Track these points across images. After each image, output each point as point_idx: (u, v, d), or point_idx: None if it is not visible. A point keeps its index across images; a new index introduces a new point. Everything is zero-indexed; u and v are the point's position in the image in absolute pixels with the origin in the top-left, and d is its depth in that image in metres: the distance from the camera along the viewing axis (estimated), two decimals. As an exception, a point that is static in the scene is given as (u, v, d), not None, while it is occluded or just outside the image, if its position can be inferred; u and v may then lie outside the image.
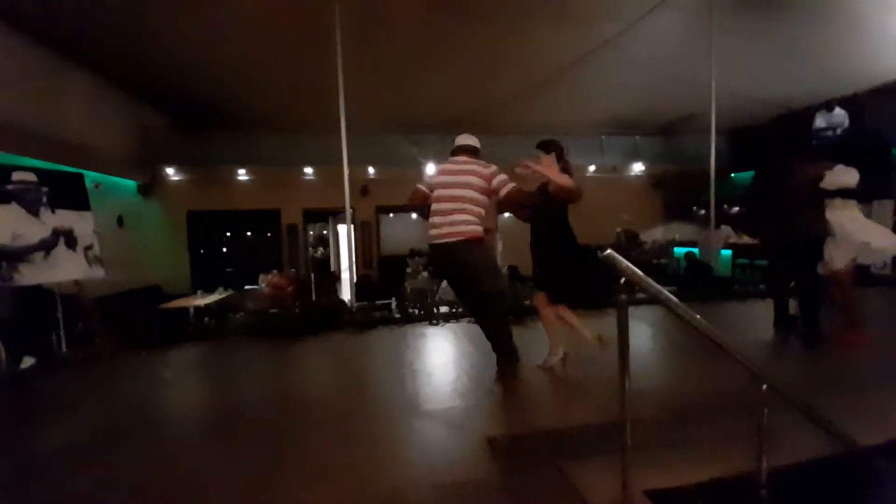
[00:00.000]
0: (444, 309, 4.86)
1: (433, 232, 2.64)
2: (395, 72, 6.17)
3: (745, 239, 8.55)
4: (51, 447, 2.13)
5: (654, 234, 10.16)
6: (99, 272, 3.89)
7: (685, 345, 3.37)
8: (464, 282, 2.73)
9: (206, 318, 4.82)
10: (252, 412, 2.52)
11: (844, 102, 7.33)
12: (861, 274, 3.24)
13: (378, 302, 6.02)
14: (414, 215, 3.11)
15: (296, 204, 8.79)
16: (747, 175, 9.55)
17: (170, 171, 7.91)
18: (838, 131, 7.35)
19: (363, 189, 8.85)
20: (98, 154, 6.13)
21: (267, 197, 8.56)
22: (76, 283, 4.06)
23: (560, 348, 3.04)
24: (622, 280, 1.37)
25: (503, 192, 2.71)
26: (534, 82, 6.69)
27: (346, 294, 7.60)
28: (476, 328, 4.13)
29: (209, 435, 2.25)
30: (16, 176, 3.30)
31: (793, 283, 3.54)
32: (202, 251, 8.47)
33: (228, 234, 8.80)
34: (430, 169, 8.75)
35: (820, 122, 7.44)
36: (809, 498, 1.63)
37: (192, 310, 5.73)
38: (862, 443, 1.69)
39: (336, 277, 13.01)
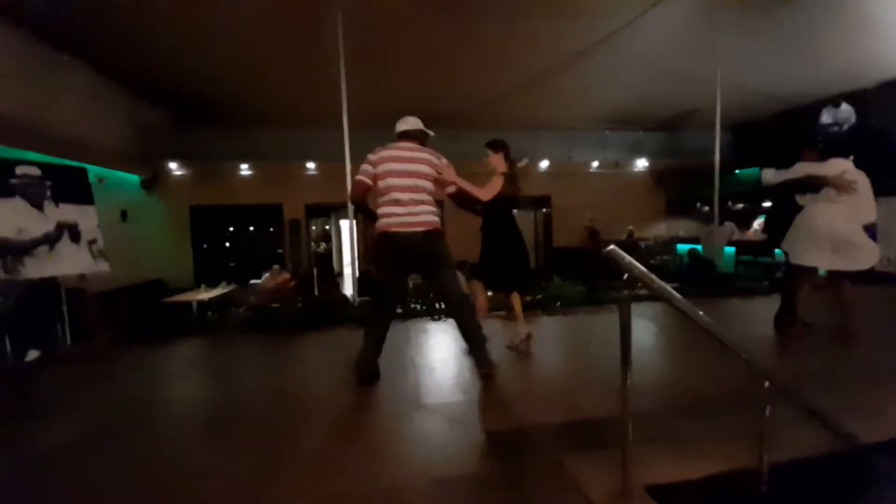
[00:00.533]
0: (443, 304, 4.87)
1: (392, 220, 2.53)
2: (396, 67, 6.14)
3: (749, 235, 8.54)
4: (52, 441, 2.14)
5: (657, 231, 10.12)
6: (103, 266, 3.91)
7: (687, 341, 3.38)
8: (429, 275, 2.69)
9: (209, 313, 4.83)
10: (252, 408, 2.52)
11: (851, 98, 7.27)
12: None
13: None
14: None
15: (298, 199, 8.79)
16: (752, 171, 9.51)
17: (172, 166, 7.91)
18: (845, 127, 7.28)
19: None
20: (100, 149, 6.14)
21: (269, 192, 8.56)
22: (81, 277, 4.08)
23: (524, 328, 3.24)
24: (625, 276, 1.37)
25: (451, 188, 2.79)
26: (535, 77, 6.63)
27: (348, 289, 7.61)
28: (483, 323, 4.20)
29: (210, 431, 2.26)
30: (19, 170, 3.32)
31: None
32: (205, 246, 8.49)
33: (231, 228, 8.81)
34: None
35: (826, 117, 7.38)
36: (810, 494, 1.63)
37: (195, 304, 5.77)
38: (863, 440, 1.69)
39: (338, 273, 13.06)
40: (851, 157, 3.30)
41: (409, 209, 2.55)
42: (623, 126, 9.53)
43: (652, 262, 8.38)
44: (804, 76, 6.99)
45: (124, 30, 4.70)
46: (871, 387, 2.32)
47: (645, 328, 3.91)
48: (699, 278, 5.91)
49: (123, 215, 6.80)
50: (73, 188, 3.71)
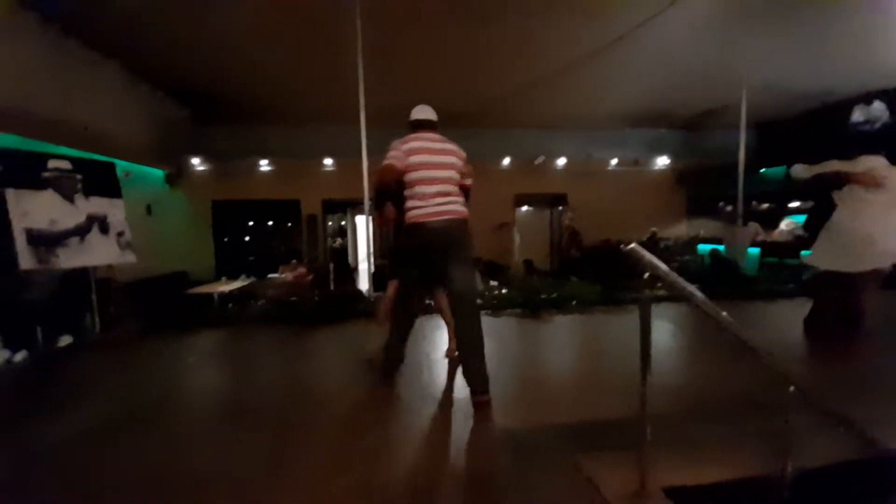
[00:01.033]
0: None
1: (424, 211, 2.46)
2: (413, 64, 6.14)
3: (775, 236, 8.27)
4: (82, 423, 2.25)
5: (677, 231, 9.91)
6: (130, 257, 4.04)
7: (708, 342, 3.30)
8: (450, 264, 2.48)
9: (230, 305, 4.95)
10: (270, 399, 2.58)
11: (884, 95, 6.96)
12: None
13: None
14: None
15: (315, 195, 8.91)
16: (778, 170, 9.21)
17: (195, 161, 8.10)
18: (877, 125, 6.99)
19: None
20: (127, 144, 6.33)
21: (287, 188, 8.70)
22: (109, 267, 4.23)
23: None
24: (645, 275, 1.35)
25: (468, 181, 2.69)
26: (554, 73, 6.54)
27: (363, 284, 7.69)
28: (491, 321, 4.19)
29: (230, 419, 2.33)
30: (51, 164, 3.46)
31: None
32: (226, 239, 8.69)
33: (251, 223, 8.98)
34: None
35: (858, 115, 7.09)
36: (833, 502, 1.59)
37: (216, 296, 5.92)
38: (890, 446, 1.63)
39: (353, 268, 13.18)
40: (883, 154, 3.18)
41: (441, 200, 2.49)
42: (644, 124, 9.34)
43: (672, 262, 8.24)
44: (833, 73, 6.73)
45: (148, 27, 4.81)
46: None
47: (665, 329, 3.84)
48: (721, 279, 5.76)
49: (148, 209, 7.00)
50: (103, 182, 3.84)
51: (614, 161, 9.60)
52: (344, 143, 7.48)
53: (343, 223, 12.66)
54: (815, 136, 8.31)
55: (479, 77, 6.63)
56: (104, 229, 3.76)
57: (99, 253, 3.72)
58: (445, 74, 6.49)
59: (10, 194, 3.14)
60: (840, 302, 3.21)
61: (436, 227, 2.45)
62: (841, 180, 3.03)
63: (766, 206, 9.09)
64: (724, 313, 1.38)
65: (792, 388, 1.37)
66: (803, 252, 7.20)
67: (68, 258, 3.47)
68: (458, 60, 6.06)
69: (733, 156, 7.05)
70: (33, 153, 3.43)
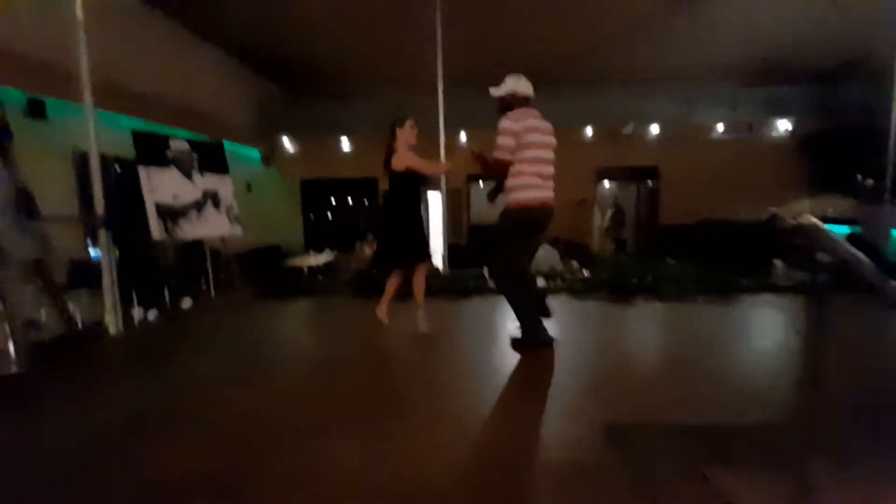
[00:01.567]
0: (540, 282, 4.66)
1: (540, 194, 2.54)
2: (494, 17, 5.77)
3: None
4: (205, 369, 2.57)
5: (798, 209, 8.48)
6: (238, 230, 4.46)
7: (866, 342, 2.73)
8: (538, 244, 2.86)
9: (318, 276, 5.26)
10: (362, 364, 2.71)
11: None
12: None
13: (469, 269, 6.04)
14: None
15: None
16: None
17: (285, 140, 8.66)
18: None
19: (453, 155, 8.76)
20: (231, 125, 6.94)
21: (365, 165, 8.94)
22: (220, 239, 4.71)
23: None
24: (823, 257, 1.08)
25: None
26: (648, 16, 5.71)
27: (437, 261, 7.76)
28: (577, 305, 3.94)
29: (332, 373, 2.48)
30: (173, 144, 3.88)
31: None
32: (312, 216, 9.33)
33: (333, 201, 9.51)
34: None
35: None
36: None
37: (305, 268, 6.42)
38: None
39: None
40: None
41: (549, 183, 2.59)
42: (760, 80, 7.94)
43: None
44: None
45: (241, 8, 5.09)
46: None
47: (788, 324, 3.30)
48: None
49: (248, 187, 7.67)
50: (214, 160, 4.24)
51: (720, 126, 8.37)
52: (422, 113, 7.45)
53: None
54: None
55: (562, 25, 6.02)
56: (216, 204, 4.17)
57: (213, 225, 4.15)
58: (527, 27, 6.02)
59: (143, 172, 3.59)
60: None
61: (547, 212, 2.59)
62: None
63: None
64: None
65: None
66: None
67: (189, 230, 3.91)
68: (538, 7, 5.55)
69: (874, 117, 5.74)
70: (159, 135, 3.88)
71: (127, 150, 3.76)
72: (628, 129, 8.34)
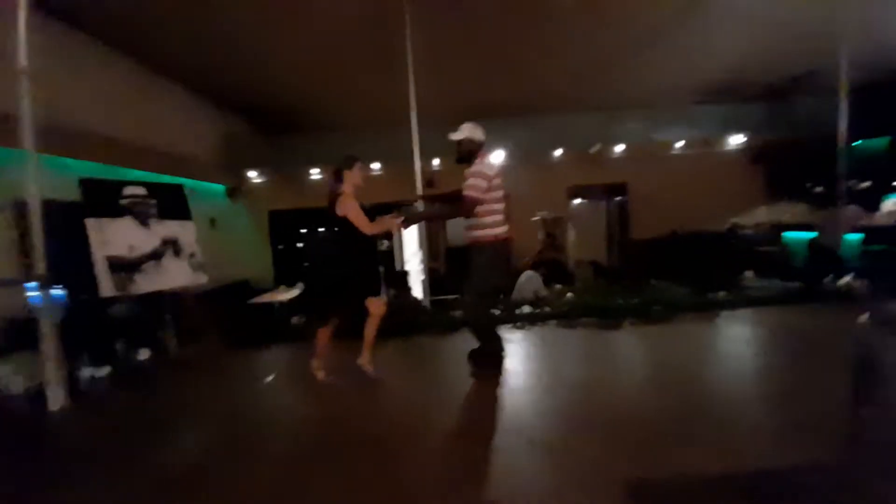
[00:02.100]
0: (526, 309, 4.58)
1: (505, 228, 2.88)
2: (462, 55, 5.86)
3: (878, 220, 7.18)
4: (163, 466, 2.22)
5: (756, 217, 8.92)
6: (202, 278, 4.13)
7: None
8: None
9: (293, 318, 4.95)
10: (353, 426, 2.45)
11: None
12: None
13: (450, 297, 5.89)
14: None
15: (363, 199, 8.88)
16: (877, 143, 8.00)
17: (252, 174, 8.35)
18: None
19: (429, 181, 8.69)
20: (194, 162, 6.60)
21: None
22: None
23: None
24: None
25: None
26: (614, 47, 5.96)
27: (416, 291, 7.57)
28: (566, 334, 3.85)
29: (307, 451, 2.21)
30: (127, 190, 3.56)
31: None
32: (280, 247, 8.94)
33: (304, 231, 9.14)
34: (495, 158, 8.39)
35: None
36: None
37: (276, 304, 6.05)
38: None
39: (403, 271, 13.15)
40: None
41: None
42: (714, 98, 8.42)
43: (754, 253, 7.40)
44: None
45: (207, 48, 4.91)
46: None
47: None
48: (822, 276, 5.01)
49: (212, 222, 7.28)
50: (174, 205, 3.93)
51: (680, 143, 8.78)
52: (392, 146, 7.38)
53: (390, 224, 12.71)
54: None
55: (530, 59, 6.20)
56: (177, 252, 3.85)
57: (173, 276, 3.81)
58: (495, 64, 6.15)
59: (92, 224, 3.25)
60: None
61: (506, 243, 2.92)
62: None
63: (865, 184, 7.92)
64: None
65: None
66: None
67: (145, 283, 3.57)
68: (507, 43, 5.67)
69: (821, 128, 6.14)
70: (111, 181, 3.56)
71: (76, 194, 3.41)
72: (595, 148, 8.60)
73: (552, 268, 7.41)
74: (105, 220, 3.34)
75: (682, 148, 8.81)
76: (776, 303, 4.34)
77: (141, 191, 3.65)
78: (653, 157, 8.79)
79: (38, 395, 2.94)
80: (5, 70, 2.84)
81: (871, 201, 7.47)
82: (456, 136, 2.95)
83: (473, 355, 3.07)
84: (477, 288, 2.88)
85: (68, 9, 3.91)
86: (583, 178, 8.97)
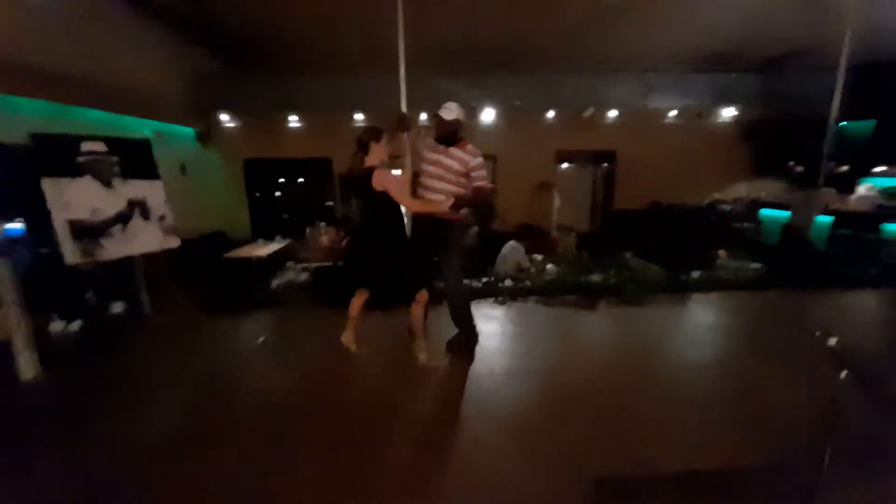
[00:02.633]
0: (507, 283, 4.62)
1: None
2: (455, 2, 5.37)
3: (850, 204, 7.41)
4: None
5: (736, 192, 9.06)
6: (174, 242, 3.93)
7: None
8: None
9: (274, 282, 4.85)
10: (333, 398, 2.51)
11: None
12: None
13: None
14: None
15: (347, 153, 8.48)
16: (863, 125, 8.04)
17: (224, 118, 7.76)
18: None
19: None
20: (158, 102, 6.05)
21: (319, 144, 8.30)
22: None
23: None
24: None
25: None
26: (607, 7, 5.61)
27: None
28: (545, 312, 3.92)
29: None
30: (85, 146, 3.23)
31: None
32: (259, 199, 8.58)
33: (282, 181, 8.76)
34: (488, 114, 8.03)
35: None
36: None
37: (254, 259, 5.90)
38: None
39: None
40: None
41: None
42: (709, 67, 8.14)
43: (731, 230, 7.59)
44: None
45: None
46: None
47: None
48: (792, 261, 5.19)
49: (182, 168, 6.86)
50: (139, 162, 3.63)
51: (673, 112, 8.59)
52: (377, 94, 6.92)
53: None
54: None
55: (525, 10, 5.76)
56: (146, 214, 3.61)
57: (143, 240, 3.61)
58: (488, 11, 5.68)
59: (48, 184, 2.98)
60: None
61: None
62: None
63: (844, 168, 8.06)
64: None
65: None
66: (887, 225, 6.46)
67: (113, 249, 3.37)
68: None
69: (812, 106, 6.09)
70: (65, 136, 3.20)
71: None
72: (588, 112, 8.33)
73: (536, 234, 7.44)
74: (63, 181, 3.06)
75: (674, 118, 8.64)
76: (747, 287, 4.52)
77: (100, 147, 3.32)
78: (644, 126, 8.61)
79: (3, 356, 2.79)
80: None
81: (849, 184, 7.68)
82: (448, 115, 2.78)
83: (453, 345, 3.10)
84: (456, 270, 2.85)
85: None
86: (572, 143, 8.76)
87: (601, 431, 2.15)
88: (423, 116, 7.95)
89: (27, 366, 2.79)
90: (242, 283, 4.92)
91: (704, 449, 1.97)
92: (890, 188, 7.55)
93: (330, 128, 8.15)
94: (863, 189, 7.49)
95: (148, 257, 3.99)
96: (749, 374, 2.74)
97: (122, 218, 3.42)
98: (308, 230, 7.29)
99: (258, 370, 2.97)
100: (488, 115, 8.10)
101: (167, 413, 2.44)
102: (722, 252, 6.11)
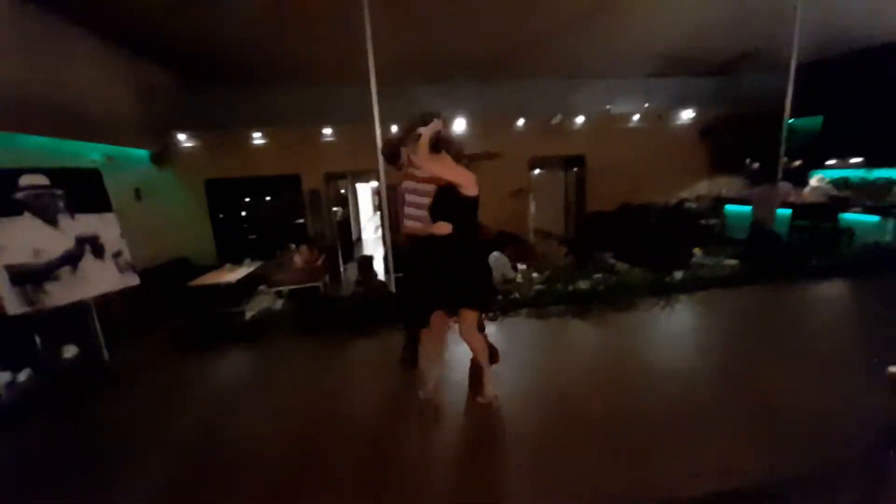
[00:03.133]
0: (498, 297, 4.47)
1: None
2: (423, 11, 5.27)
3: (805, 196, 7.83)
4: None
5: (698, 190, 9.43)
6: (132, 280, 3.55)
7: None
8: None
9: (247, 315, 4.49)
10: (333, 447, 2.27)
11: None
12: None
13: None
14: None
15: (318, 167, 8.19)
16: (811, 121, 8.56)
17: (182, 137, 7.30)
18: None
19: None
20: (105, 123, 5.57)
21: (286, 161, 7.96)
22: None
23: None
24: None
25: None
26: (575, 13, 5.71)
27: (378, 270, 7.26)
28: (539, 326, 3.81)
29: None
30: (24, 181, 2.85)
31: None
32: (224, 221, 8.10)
33: (248, 200, 8.32)
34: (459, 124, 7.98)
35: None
36: None
37: (223, 285, 5.51)
38: None
39: (356, 239, 12.62)
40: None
41: None
42: (667, 72, 8.47)
43: (697, 226, 7.85)
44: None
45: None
46: None
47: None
48: (764, 254, 5.37)
49: (137, 194, 6.37)
50: (88, 194, 3.25)
51: (636, 116, 8.86)
52: (346, 107, 6.71)
53: (343, 191, 11.94)
54: (861, 82, 7.60)
55: (494, 19, 5.75)
56: (98, 252, 3.24)
57: (96, 282, 3.23)
58: (457, 21, 5.63)
59: (-21, 226, 2.59)
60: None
61: None
62: None
63: (797, 162, 8.54)
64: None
65: None
66: (844, 215, 6.83)
67: (61, 294, 2.98)
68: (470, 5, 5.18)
69: (765, 104, 6.41)
70: (0, 170, 2.82)
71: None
72: (556, 119, 8.46)
73: (515, 242, 7.40)
74: (-2, 221, 2.67)
75: (637, 121, 8.91)
76: (728, 285, 4.62)
77: (42, 180, 2.94)
78: (610, 130, 8.85)
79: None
80: None
81: (803, 178, 8.13)
82: (430, 130, 2.45)
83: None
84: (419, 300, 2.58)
85: None
86: (543, 149, 8.86)
87: (616, 454, 2.05)
88: (394, 128, 7.80)
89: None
90: (212, 313, 4.53)
91: (727, 467, 1.90)
92: (839, 179, 8.08)
93: (297, 143, 7.84)
94: (814, 181, 7.93)
95: (104, 297, 3.60)
96: (761, 378, 2.71)
97: (71, 258, 3.03)
98: (279, 252, 6.93)
99: (244, 419, 2.66)
100: (459, 125, 8.04)
101: (133, 478, 2.12)
102: (697, 250, 6.27)
